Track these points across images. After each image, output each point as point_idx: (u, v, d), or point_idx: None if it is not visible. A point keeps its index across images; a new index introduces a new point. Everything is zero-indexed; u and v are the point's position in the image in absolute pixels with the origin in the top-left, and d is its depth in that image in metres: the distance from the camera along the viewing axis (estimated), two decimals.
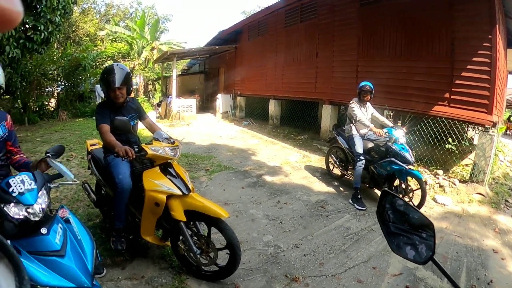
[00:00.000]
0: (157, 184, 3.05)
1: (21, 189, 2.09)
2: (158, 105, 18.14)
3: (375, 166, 5.08)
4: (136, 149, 3.12)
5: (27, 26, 10.98)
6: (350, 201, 5.06)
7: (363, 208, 4.81)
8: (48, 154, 2.70)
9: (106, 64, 22.81)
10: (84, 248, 2.20)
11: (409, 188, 4.91)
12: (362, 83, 5.39)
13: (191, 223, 3.16)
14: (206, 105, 19.17)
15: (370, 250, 3.65)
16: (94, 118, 13.69)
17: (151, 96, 24.56)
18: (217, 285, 3.18)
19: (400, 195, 4.81)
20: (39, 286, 1.90)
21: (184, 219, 3.00)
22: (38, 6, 11.08)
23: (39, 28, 11.06)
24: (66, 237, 2.18)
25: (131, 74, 3.47)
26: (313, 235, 4.00)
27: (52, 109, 18.41)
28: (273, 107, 12.19)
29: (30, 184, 2.14)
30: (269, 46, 12.54)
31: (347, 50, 8.61)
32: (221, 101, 15.37)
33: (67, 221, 2.34)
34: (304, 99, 10.48)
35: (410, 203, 1.46)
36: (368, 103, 5.54)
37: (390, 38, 7.37)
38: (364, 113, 5.41)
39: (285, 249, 3.71)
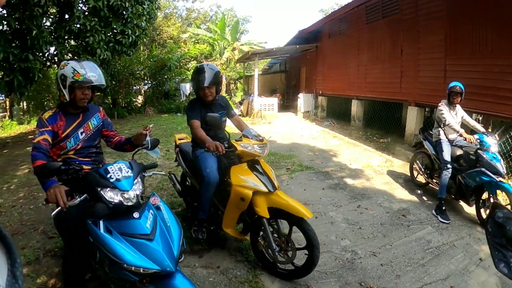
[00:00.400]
0: (244, 179, 3.16)
1: (118, 175, 2.28)
2: (240, 103, 18.74)
3: (463, 176, 4.73)
4: (226, 145, 3.24)
5: (116, 31, 12.15)
6: (434, 212, 4.82)
7: (447, 221, 4.55)
8: (144, 146, 2.96)
9: (190, 65, 24.43)
10: (172, 234, 2.31)
11: (498, 202, 4.57)
12: (452, 84, 5.07)
13: (273, 220, 3.24)
14: (287, 104, 19.33)
15: (449, 268, 3.51)
16: (178, 114, 14.86)
17: (233, 95, 25.35)
18: (290, 284, 3.23)
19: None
20: (125, 265, 2.06)
21: (268, 215, 3.09)
22: (125, 13, 12.18)
23: (127, 32, 12.22)
24: (156, 223, 2.32)
25: (221, 73, 3.72)
26: (392, 245, 3.95)
27: (139, 105, 20.37)
28: (355, 108, 11.89)
29: (127, 172, 2.34)
30: (351, 44, 12.28)
31: (433, 47, 8.11)
32: (303, 100, 15.43)
33: (157, 208, 2.49)
34: (388, 100, 10.10)
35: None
36: (458, 106, 5.19)
37: (480, 33, 6.77)
38: (453, 117, 5.08)
39: (362, 256, 3.71)
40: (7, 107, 19.40)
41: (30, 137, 12.94)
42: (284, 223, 3.22)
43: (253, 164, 3.33)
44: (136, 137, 2.97)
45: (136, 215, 2.23)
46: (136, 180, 2.36)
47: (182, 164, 4.25)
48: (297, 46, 15.97)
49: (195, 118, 3.58)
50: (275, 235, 3.21)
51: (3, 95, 13.68)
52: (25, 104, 21.11)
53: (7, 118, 18.17)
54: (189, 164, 4.07)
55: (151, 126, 2.96)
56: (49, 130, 2.64)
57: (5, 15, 8.83)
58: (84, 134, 2.83)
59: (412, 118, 8.68)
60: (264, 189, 3.09)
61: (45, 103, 19.94)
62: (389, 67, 9.93)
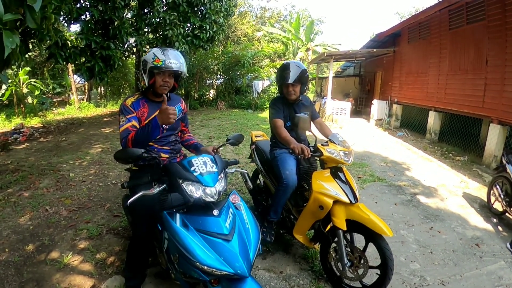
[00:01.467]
0: (325, 187, 3.05)
1: (202, 170, 2.24)
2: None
3: None
4: (312, 149, 3.19)
5: (194, 25, 12.91)
6: (508, 245, 4.54)
7: None
8: (229, 141, 2.98)
9: (263, 62, 24.82)
10: (250, 237, 2.22)
11: None
12: None
13: (348, 232, 3.11)
14: (359, 110, 18.96)
15: None
16: (249, 110, 15.40)
17: None
18: None
19: None
20: (198, 263, 1.99)
21: (345, 228, 2.95)
22: (203, 9, 13.03)
23: (205, 27, 12.90)
24: (234, 223, 2.23)
25: (307, 73, 3.64)
26: (462, 276, 3.82)
27: (211, 98, 21.30)
28: (432, 120, 11.33)
29: (212, 167, 2.30)
30: (432, 50, 11.74)
31: None
32: (376, 107, 15.07)
33: (237, 207, 2.41)
34: (469, 114, 9.49)
35: None
36: None
37: None
38: None
39: (431, 283, 3.61)
40: (86, 91, 21.12)
41: (105, 119, 14.13)
42: (358, 237, 3.10)
43: (336, 171, 3.21)
44: (204, 150, 2.95)
45: (215, 212, 2.18)
46: (220, 176, 2.33)
47: (257, 162, 4.24)
48: (374, 50, 15.67)
49: (278, 117, 3.55)
50: (348, 249, 3.09)
51: (84, 79, 14.91)
52: (102, 89, 23.06)
53: (85, 100, 19.76)
54: (265, 163, 4.07)
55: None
56: (135, 116, 2.66)
57: (88, 5, 9.73)
58: None
59: (493, 137, 8.11)
60: (345, 199, 2.97)
61: (122, 89, 21.95)
62: (472, 79, 9.37)
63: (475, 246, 4.51)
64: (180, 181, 2.21)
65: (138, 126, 2.65)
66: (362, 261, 3.00)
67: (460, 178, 7.35)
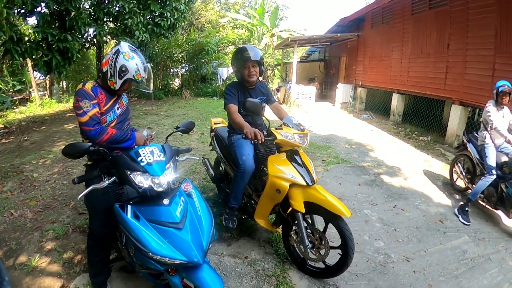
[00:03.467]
0: (281, 170, 3.00)
1: (150, 159, 2.22)
2: (277, 90, 18.74)
3: (506, 185, 4.50)
4: (265, 133, 3.11)
5: (154, 13, 12.49)
6: (456, 211, 4.75)
7: (468, 223, 4.49)
8: (179, 129, 2.93)
9: (228, 49, 24.75)
10: (202, 224, 2.24)
11: None
12: (500, 82, 4.81)
13: (308, 215, 3.10)
14: (324, 94, 19.11)
15: (483, 283, 3.37)
16: (214, 98, 15.31)
17: (269, 81, 25.37)
18: (319, 282, 3.17)
19: None
20: (151, 254, 2.01)
21: (303, 210, 2.94)
22: None
23: (166, 15, 12.59)
24: (186, 211, 2.25)
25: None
26: (426, 251, 3.86)
27: (176, 88, 21.00)
28: (396, 102, 11.57)
29: (159, 156, 2.27)
30: (395, 35, 11.92)
31: (482, 42, 7.71)
32: (341, 91, 15.22)
33: (189, 195, 2.41)
34: (431, 96, 9.73)
35: None
36: (505, 108, 4.93)
37: None
38: (501, 119, 4.85)
39: (395, 260, 3.64)
40: (47, 86, 20.28)
41: (68, 115, 13.56)
42: (319, 219, 3.08)
43: (292, 154, 3.17)
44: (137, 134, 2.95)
45: (166, 201, 2.18)
46: (168, 165, 2.30)
47: (217, 149, 4.17)
48: (338, 35, 15.76)
49: (232, 103, 3.45)
50: (309, 230, 3.09)
51: (42, 74, 14.28)
52: (64, 83, 22.19)
53: (46, 96, 19.00)
54: (224, 150, 3.99)
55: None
56: (96, 102, 2.58)
57: None
58: (120, 109, 2.81)
59: (455, 118, 8.36)
60: (302, 182, 2.93)
61: None
62: (434, 62, 9.58)
63: (439, 222, 4.58)
64: (128, 172, 2.19)
65: (99, 113, 2.60)
66: (323, 242, 3.00)
67: (423, 158, 7.49)
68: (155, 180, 2.17)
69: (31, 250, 3.70)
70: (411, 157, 7.52)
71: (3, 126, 11.69)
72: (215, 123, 4.61)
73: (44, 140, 8.94)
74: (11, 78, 17.74)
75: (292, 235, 3.18)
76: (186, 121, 3.01)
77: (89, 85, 2.61)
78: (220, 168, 4.64)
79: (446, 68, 8.94)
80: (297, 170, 3.00)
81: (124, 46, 2.62)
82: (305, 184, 2.94)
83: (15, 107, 16.38)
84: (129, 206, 2.21)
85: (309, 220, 3.14)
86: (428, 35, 9.93)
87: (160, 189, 2.19)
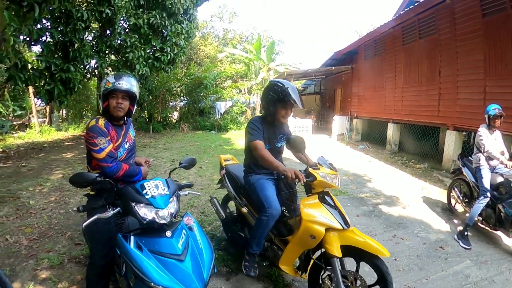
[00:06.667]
0: (316, 215, 2.83)
1: (154, 192, 2.28)
2: None
3: (503, 205, 4.47)
4: (304, 173, 2.92)
5: (155, 48, 12.89)
6: (455, 237, 4.67)
7: (468, 247, 4.41)
8: (182, 165, 2.94)
9: (226, 84, 24.88)
10: (203, 256, 2.28)
11: None
12: (491, 106, 4.83)
13: (342, 258, 2.88)
14: (321, 126, 19.23)
15: None
16: (212, 132, 15.29)
17: None
18: None
19: None
20: (152, 284, 2.01)
21: (340, 255, 2.76)
22: (164, 31, 13.06)
23: (166, 50, 12.97)
24: (188, 244, 2.29)
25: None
26: (428, 279, 3.75)
27: (175, 121, 21.13)
28: (391, 132, 11.62)
29: (163, 190, 2.33)
30: (387, 66, 12.14)
31: (472, 68, 7.88)
32: (337, 122, 15.30)
33: (190, 228, 2.45)
34: (426, 123, 9.82)
35: None
36: (497, 131, 4.97)
37: None
38: (493, 142, 4.85)
39: None
40: (47, 114, 20.51)
41: (67, 143, 13.60)
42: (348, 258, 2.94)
43: (324, 196, 2.98)
44: (137, 161, 3.10)
45: (168, 234, 2.22)
46: (171, 199, 2.36)
47: (230, 188, 3.88)
48: (333, 68, 16.03)
49: (259, 139, 3.18)
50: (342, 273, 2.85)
51: (44, 102, 14.51)
52: (64, 112, 22.51)
53: (46, 124, 19.16)
54: (239, 190, 3.75)
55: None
56: (109, 139, 2.65)
57: (49, 27, 9.44)
58: (128, 143, 2.87)
59: (450, 143, 8.39)
60: (338, 226, 2.76)
61: (84, 112, 21.49)
62: (427, 90, 9.71)
63: (439, 248, 4.48)
64: (133, 204, 2.24)
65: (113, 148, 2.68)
66: (359, 283, 2.83)
67: (421, 185, 7.43)
68: (158, 212, 2.23)
69: (25, 277, 3.61)
70: (409, 185, 7.46)
71: (1, 150, 11.76)
72: (225, 160, 4.35)
73: (42, 167, 8.91)
74: (12, 103, 17.93)
75: (326, 280, 2.94)
76: (188, 157, 3.04)
77: (101, 122, 2.66)
78: (229, 209, 4.46)
79: (439, 95, 9.04)
80: (331, 213, 2.84)
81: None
82: (341, 228, 2.78)
83: (14, 132, 16.62)
84: (132, 237, 2.23)
85: (342, 263, 2.95)
86: (419, 64, 10.12)
87: (163, 222, 2.24)
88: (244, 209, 3.62)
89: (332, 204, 2.95)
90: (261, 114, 3.49)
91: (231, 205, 4.48)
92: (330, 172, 2.98)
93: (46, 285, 3.47)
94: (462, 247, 4.47)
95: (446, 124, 8.68)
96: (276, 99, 3.18)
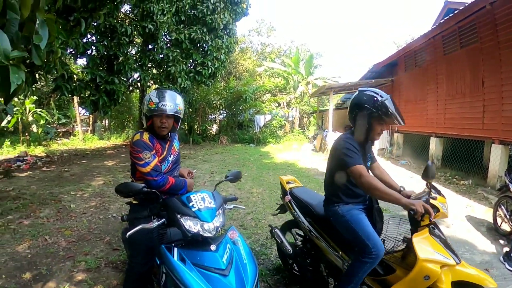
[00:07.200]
0: (432, 252, 2.47)
1: (200, 205, 2.26)
2: (314, 138, 18.70)
3: None
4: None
5: (196, 62, 13.42)
6: (501, 258, 4.39)
7: None
8: (228, 178, 2.90)
9: (264, 97, 24.98)
10: (247, 272, 2.22)
11: None
12: None
13: None
14: None
15: None
16: (251, 145, 15.67)
17: (305, 129, 25.43)
18: None
19: None
20: None
21: None
22: (205, 46, 13.58)
23: (207, 64, 13.32)
24: (232, 258, 2.24)
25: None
26: None
27: (214, 133, 21.73)
28: (434, 146, 11.12)
29: (209, 203, 2.32)
30: (428, 77, 11.77)
31: None
32: None
33: (235, 242, 2.41)
34: (470, 137, 9.37)
35: None
36: None
37: None
38: None
39: None
40: (90, 123, 21.62)
41: (108, 152, 14.34)
42: None
43: (434, 228, 2.64)
44: (180, 172, 3.09)
45: (213, 247, 2.20)
46: (218, 212, 2.34)
47: (301, 218, 3.34)
48: (372, 81, 15.71)
49: (360, 163, 2.68)
50: None
51: (88, 112, 15.30)
52: (107, 121, 23.85)
53: (89, 132, 20.15)
54: (313, 218, 3.25)
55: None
56: (154, 153, 2.69)
57: (94, 41, 10.09)
58: (172, 156, 2.88)
59: (496, 158, 7.96)
60: (452, 262, 2.44)
61: (126, 123, 22.42)
62: (470, 101, 9.30)
63: (485, 271, 4.24)
64: (179, 216, 2.23)
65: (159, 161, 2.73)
66: None
67: (465, 203, 7.12)
68: (204, 226, 2.21)
69: (61, 278, 3.75)
70: (453, 203, 7.09)
71: (45, 155, 12.54)
72: (287, 182, 3.78)
73: (83, 173, 9.36)
74: (57, 112, 19.11)
75: None
76: (234, 171, 3.00)
77: (146, 136, 2.70)
78: (298, 241, 3.69)
79: (483, 106, 8.64)
80: (444, 248, 2.52)
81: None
82: (455, 264, 2.46)
83: (58, 139, 17.77)
84: (175, 249, 2.24)
85: None
86: (462, 75, 9.74)
87: (209, 235, 2.22)
88: (322, 243, 3.14)
89: (443, 236, 2.64)
90: (348, 131, 2.98)
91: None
92: (443, 200, 2.74)
93: (82, 287, 3.59)
94: (508, 269, 4.22)
95: (491, 138, 8.26)
96: (373, 113, 2.73)
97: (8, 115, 14.67)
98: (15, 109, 15.13)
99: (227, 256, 2.21)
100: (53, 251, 4.41)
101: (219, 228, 2.31)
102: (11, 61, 1.91)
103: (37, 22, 2.26)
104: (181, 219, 2.22)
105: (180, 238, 2.39)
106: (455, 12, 9.23)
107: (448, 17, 9.63)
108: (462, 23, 9.26)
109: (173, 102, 2.66)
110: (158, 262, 2.37)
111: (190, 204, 2.26)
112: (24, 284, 3.62)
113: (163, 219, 2.33)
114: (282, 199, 3.74)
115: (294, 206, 3.43)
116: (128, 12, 12.55)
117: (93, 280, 3.70)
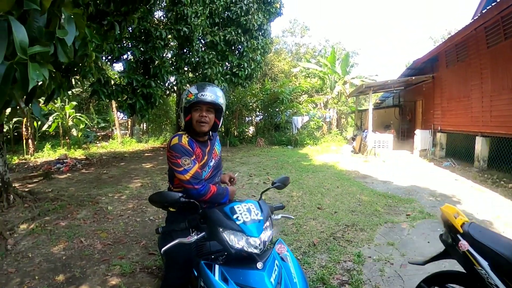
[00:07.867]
0: None
1: (246, 218, 2.00)
2: (353, 139, 18.32)
3: None
4: None
5: (232, 63, 13.48)
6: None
7: None
8: (275, 184, 2.62)
9: (301, 98, 24.64)
10: None
11: None
12: None
13: None
14: (401, 141, 18.14)
15: None
16: (289, 147, 17.01)
17: (343, 130, 24.99)
18: None
19: None
20: None
21: None
22: (240, 47, 13.64)
23: (243, 65, 13.40)
24: (281, 277, 1.97)
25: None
26: None
27: (251, 135, 21.89)
28: (479, 146, 10.41)
29: (256, 215, 2.05)
30: (472, 72, 11.12)
31: None
32: (419, 137, 14.26)
33: (283, 258, 2.13)
34: None
35: None
36: None
37: None
38: None
39: None
40: (129, 126, 22.34)
41: (146, 154, 14.74)
42: None
43: None
44: (222, 178, 2.88)
45: (259, 265, 1.91)
46: (265, 225, 2.06)
47: (494, 279, 2.04)
48: (412, 78, 15.08)
49: None
50: None
51: (126, 116, 15.84)
52: (144, 125, 24.88)
53: (127, 135, 20.81)
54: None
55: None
56: (194, 158, 2.47)
57: (129, 45, 10.34)
58: (213, 160, 2.67)
59: None
60: None
61: (163, 126, 23.36)
62: None
63: None
64: (221, 229, 1.97)
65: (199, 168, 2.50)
66: None
67: None
68: (250, 240, 1.94)
69: (95, 282, 3.73)
70: (501, 207, 6.63)
71: (85, 157, 13.11)
72: (454, 215, 2.37)
73: (122, 175, 9.55)
74: (96, 116, 19.99)
75: None
76: (281, 176, 2.72)
77: (185, 139, 2.48)
78: None
79: None
80: None
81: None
82: None
83: (97, 142, 18.69)
84: (217, 266, 1.99)
85: None
86: (508, 68, 9.08)
87: (255, 251, 1.94)
88: None
89: None
90: None
91: None
92: None
93: None
94: None
95: None
96: None
97: (50, 116, 15.69)
98: (55, 114, 15.94)
99: (275, 275, 1.93)
100: (88, 254, 4.42)
101: (267, 243, 2.03)
102: (35, 57, 1.82)
103: (63, 17, 2.16)
104: (223, 233, 1.96)
105: (220, 249, 2.13)
106: (497, 0, 8.60)
107: (489, 6, 8.99)
108: (505, 12, 8.56)
109: (214, 93, 2.44)
110: (196, 274, 2.17)
111: (234, 217, 2.00)
112: (56, 287, 3.62)
113: (203, 233, 2.07)
114: (448, 243, 2.46)
115: (476, 255, 2.13)
116: (162, 18, 12.69)
117: (127, 286, 3.64)
